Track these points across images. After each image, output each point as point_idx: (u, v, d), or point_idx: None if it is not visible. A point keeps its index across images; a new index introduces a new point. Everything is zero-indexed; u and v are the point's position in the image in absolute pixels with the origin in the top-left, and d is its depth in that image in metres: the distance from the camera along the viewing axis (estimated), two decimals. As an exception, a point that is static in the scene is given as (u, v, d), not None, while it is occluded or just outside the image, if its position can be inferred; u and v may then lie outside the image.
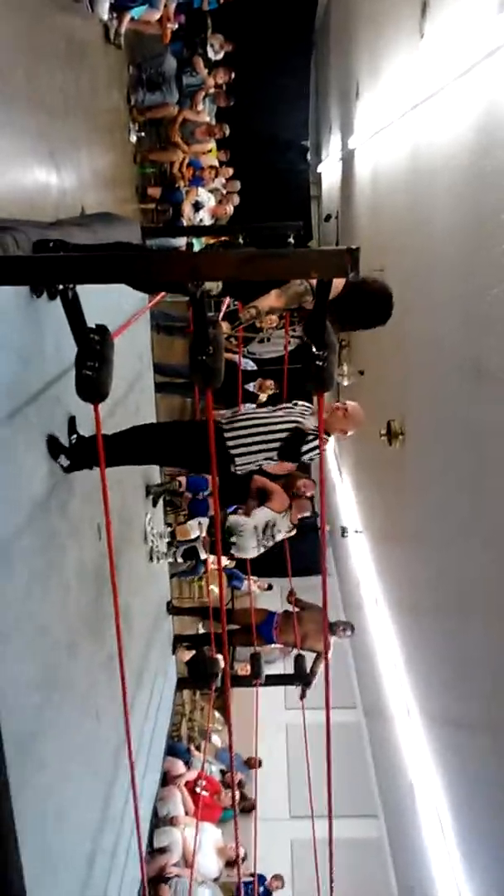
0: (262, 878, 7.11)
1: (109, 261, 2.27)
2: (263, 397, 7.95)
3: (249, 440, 3.49)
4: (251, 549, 5.86)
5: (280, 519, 5.89)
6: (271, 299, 3.46)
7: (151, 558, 5.41)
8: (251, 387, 8.03)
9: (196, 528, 6.47)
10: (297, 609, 6.48)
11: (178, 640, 6.63)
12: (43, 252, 2.69)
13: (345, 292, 3.05)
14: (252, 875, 6.40)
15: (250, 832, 6.25)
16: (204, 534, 6.47)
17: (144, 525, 5.28)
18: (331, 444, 11.55)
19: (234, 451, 3.45)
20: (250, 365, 8.28)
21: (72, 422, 3.22)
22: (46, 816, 2.94)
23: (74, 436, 3.21)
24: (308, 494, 6.24)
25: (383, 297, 3.28)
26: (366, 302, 3.25)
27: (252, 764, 8.21)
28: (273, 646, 7.22)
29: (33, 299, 2.74)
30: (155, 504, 5.69)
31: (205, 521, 6.59)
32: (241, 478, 5.59)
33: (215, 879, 6.66)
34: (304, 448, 3.47)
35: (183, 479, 6.74)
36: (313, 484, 6.20)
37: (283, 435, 3.49)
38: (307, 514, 6.15)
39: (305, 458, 3.52)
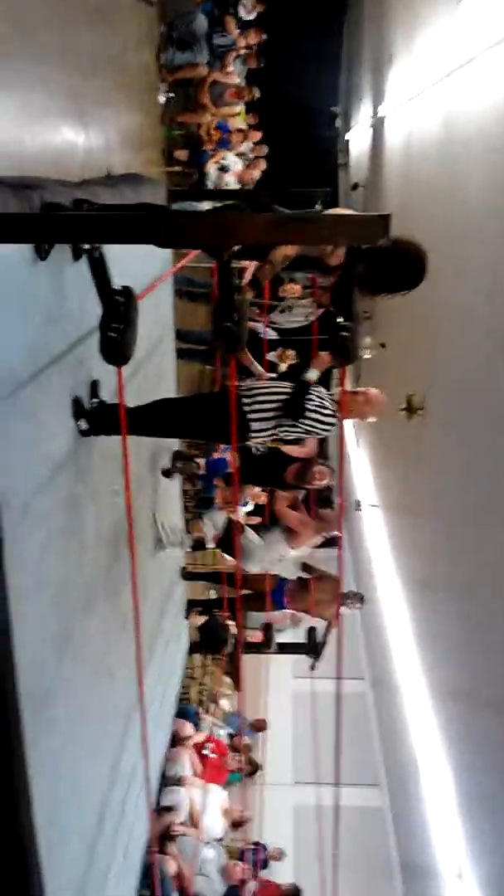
0: (263, 847, 7.24)
1: (136, 221, 2.24)
2: (284, 367, 7.90)
3: (265, 405, 3.47)
4: (251, 567, 5.90)
5: (293, 552, 5.86)
6: (286, 247, 3.23)
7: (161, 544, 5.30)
8: (272, 356, 7.99)
9: (210, 527, 6.43)
10: (311, 575, 6.48)
11: (191, 606, 6.67)
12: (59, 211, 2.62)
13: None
14: (255, 844, 6.48)
15: (255, 796, 6.35)
16: (217, 531, 6.44)
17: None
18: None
19: (249, 416, 3.43)
20: (271, 334, 8.22)
21: (94, 385, 3.22)
22: (59, 772, 2.99)
23: (96, 400, 3.21)
24: (323, 483, 6.20)
25: (417, 256, 2.98)
26: (396, 261, 2.93)
27: (259, 727, 8.31)
28: (284, 612, 7.25)
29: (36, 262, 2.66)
30: (169, 477, 5.64)
31: (221, 519, 6.54)
32: (258, 458, 5.50)
33: (220, 840, 6.79)
34: (311, 406, 3.43)
35: (202, 462, 6.72)
36: (330, 471, 6.15)
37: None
38: (332, 532, 6.04)
39: (311, 418, 3.46)
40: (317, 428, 3.52)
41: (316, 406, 3.47)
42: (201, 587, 7.60)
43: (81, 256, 2.63)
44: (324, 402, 3.53)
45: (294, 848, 7.59)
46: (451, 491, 5.36)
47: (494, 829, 4.47)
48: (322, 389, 3.61)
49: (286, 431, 3.56)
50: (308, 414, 3.46)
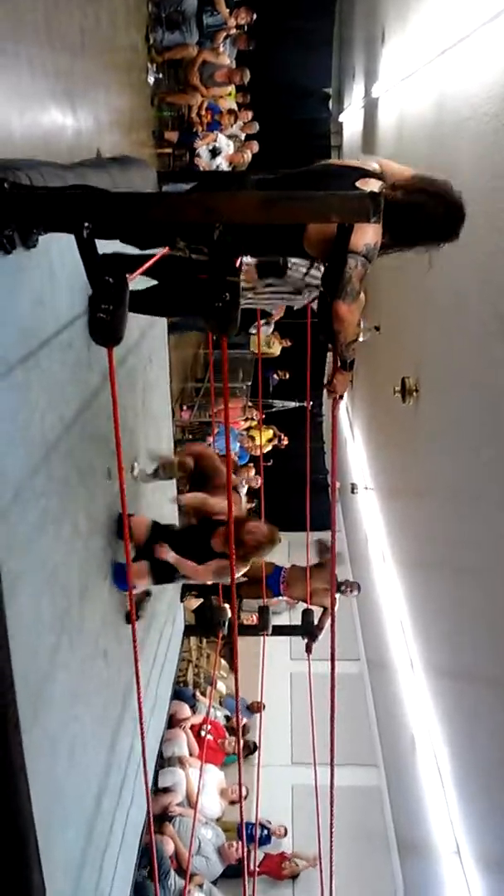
0: (267, 822, 7.31)
1: (125, 201, 2.23)
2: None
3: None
4: None
5: None
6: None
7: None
8: None
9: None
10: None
11: (186, 589, 6.68)
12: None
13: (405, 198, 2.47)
14: (254, 821, 6.53)
15: (252, 775, 6.40)
16: None
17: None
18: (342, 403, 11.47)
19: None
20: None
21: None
22: (56, 754, 3.01)
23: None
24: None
25: (453, 197, 2.59)
26: (433, 204, 2.52)
27: (255, 708, 8.37)
28: (280, 598, 7.29)
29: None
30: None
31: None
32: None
33: (217, 820, 6.85)
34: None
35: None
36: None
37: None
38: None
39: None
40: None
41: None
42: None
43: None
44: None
45: (292, 826, 7.66)
46: (446, 472, 5.37)
47: (490, 805, 4.52)
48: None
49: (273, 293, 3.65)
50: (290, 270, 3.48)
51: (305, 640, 6.61)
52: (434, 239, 2.60)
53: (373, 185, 2.46)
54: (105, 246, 2.39)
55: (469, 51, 4.69)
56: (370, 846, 7.62)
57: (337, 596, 6.13)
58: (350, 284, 2.33)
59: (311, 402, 7.76)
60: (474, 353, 4.60)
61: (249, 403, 10.11)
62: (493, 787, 4.38)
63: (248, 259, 3.48)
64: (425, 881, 6.09)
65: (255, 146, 8.73)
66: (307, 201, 2.25)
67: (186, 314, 4.17)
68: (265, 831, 7.29)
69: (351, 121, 13.43)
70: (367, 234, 2.31)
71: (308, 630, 6.52)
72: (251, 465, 9.29)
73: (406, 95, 7.29)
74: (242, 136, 8.79)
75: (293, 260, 3.47)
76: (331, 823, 3.66)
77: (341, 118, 14.74)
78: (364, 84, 10.86)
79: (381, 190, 2.44)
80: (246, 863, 5.19)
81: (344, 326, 2.39)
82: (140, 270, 2.59)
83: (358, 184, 2.46)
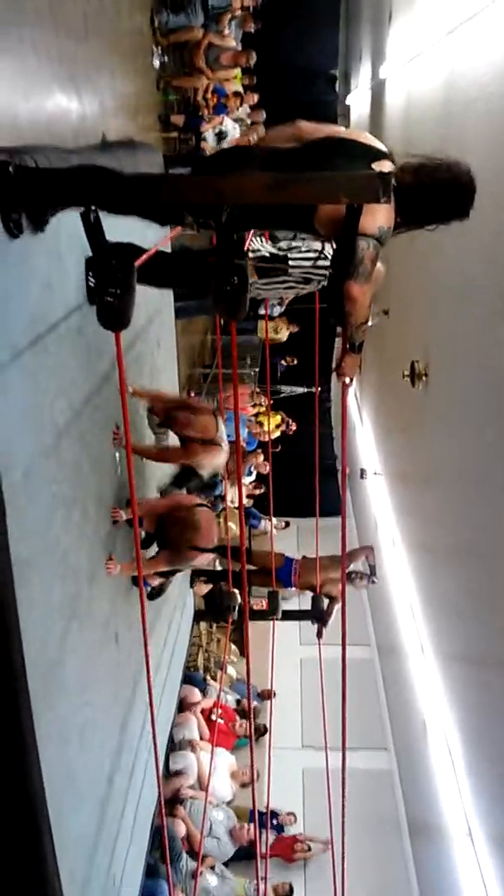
0: (274, 813, 7.33)
1: (133, 182, 2.21)
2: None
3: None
4: None
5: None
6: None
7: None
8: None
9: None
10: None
11: (196, 575, 6.70)
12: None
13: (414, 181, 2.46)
14: (265, 809, 6.54)
15: (264, 759, 6.42)
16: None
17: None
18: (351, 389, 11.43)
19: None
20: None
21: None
22: (68, 738, 3.03)
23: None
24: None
25: (462, 177, 2.57)
26: (441, 186, 2.50)
27: (266, 696, 8.40)
28: (290, 588, 7.31)
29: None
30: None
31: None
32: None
33: (228, 803, 6.89)
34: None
35: None
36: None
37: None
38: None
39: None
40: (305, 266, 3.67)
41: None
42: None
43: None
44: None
45: (303, 810, 7.71)
46: (454, 455, 5.35)
47: (503, 787, 4.53)
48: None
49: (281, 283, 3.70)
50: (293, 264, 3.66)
51: (316, 626, 6.63)
52: (445, 218, 2.59)
53: (385, 167, 2.44)
54: (113, 228, 2.38)
55: (477, 30, 4.63)
56: (381, 829, 7.66)
57: (349, 587, 6.18)
58: (362, 265, 2.31)
59: (319, 388, 7.73)
60: (480, 333, 4.58)
61: (257, 389, 10.10)
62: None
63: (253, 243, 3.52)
64: (437, 864, 6.13)
65: (262, 130, 8.66)
66: (314, 182, 2.22)
67: (195, 298, 4.18)
68: (274, 821, 7.31)
69: (358, 103, 13.31)
70: (379, 216, 2.29)
71: (318, 615, 6.54)
72: (259, 450, 9.29)
73: (414, 76, 7.22)
74: (249, 122, 8.72)
75: (293, 256, 3.53)
76: (342, 807, 3.68)
77: (348, 100, 14.61)
78: (371, 65, 10.76)
79: (392, 171, 2.41)
80: (258, 845, 5.23)
81: (356, 308, 2.37)
82: (147, 255, 2.58)
83: (373, 165, 2.44)
